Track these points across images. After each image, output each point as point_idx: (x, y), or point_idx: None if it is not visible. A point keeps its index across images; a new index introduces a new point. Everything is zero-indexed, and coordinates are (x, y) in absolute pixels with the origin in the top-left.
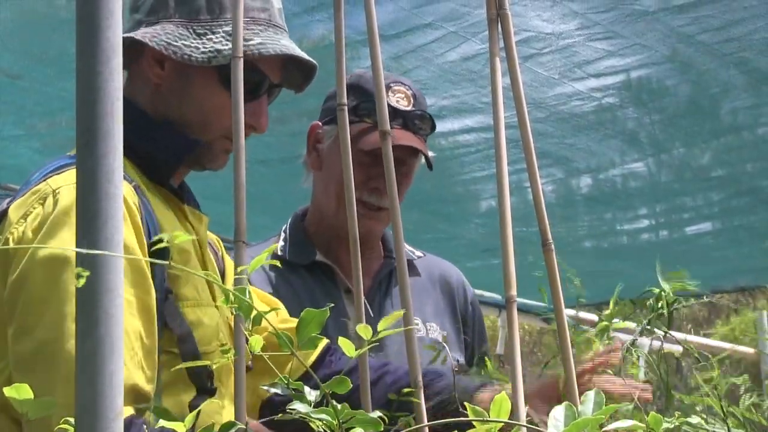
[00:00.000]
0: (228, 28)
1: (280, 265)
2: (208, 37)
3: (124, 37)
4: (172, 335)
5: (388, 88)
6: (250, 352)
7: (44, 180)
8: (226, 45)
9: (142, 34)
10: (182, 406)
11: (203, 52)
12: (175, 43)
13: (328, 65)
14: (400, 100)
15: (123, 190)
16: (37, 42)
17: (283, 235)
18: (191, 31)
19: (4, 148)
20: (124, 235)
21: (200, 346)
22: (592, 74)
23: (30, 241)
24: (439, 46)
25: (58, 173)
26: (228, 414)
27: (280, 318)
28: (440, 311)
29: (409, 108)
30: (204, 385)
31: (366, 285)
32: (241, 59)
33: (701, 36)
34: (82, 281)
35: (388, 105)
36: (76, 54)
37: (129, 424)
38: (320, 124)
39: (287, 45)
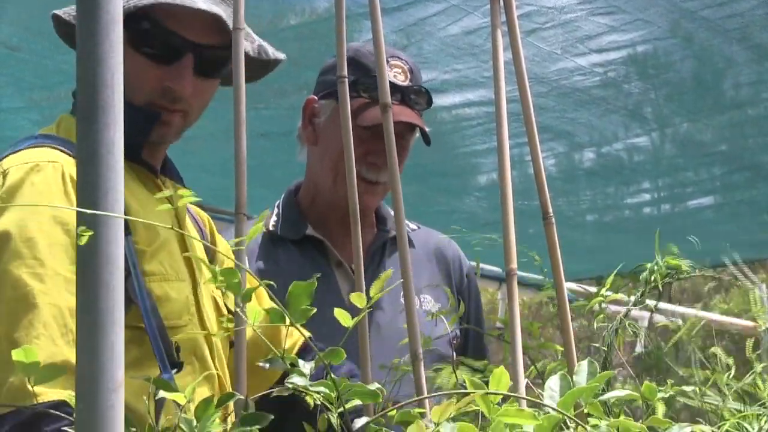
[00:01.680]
0: None
1: (270, 240)
2: None
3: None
4: (138, 310)
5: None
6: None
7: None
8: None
9: (63, 10)
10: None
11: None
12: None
13: (330, 38)
14: (397, 74)
15: (123, 163)
16: (36, 14)
17: (276, 210)
18: None
19: (3, 120)
20: (66, 213)
21: (167, 320)
22: (595, 49)
23: None
24: (440, 19)
25: (14, 152)
26: (204, 390)
27: None
28: (436, 282)
29: (406, 83)
30: (165, 361)
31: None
32: (242, 30)
33: (704, 11)
34: (84, 239)
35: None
36: (76, 26)
37: (55, 407)
38: (316, 98)
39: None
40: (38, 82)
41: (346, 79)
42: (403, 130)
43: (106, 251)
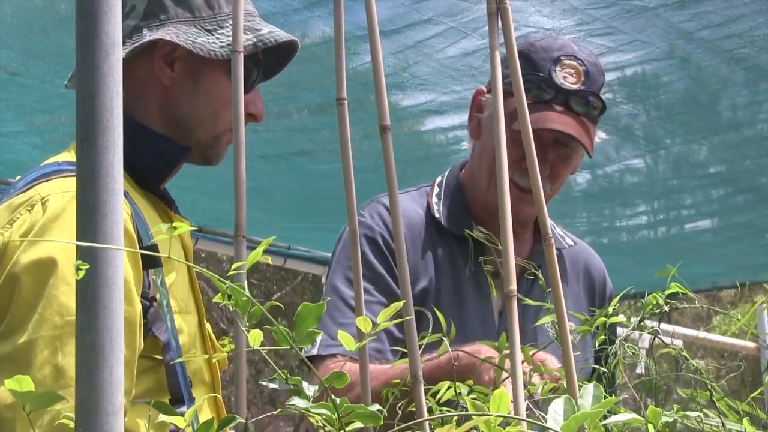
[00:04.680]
0: None
1: (436, 229)
2: (219, 32)
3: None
4: (157, 342)
5: (557, 60)
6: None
7: (31, 187)
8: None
9: (166, 34)
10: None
11: (222, 47)
12: (197, 41)
13: (329, 60)
14: (567, 76)
15: (122, 185)
16: (36, 38)
17: (437, 190)
18: (200, 28)
19: (3, 144)
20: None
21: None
22: None
23: (16, 247)
24: (439, 41)
25: (46, 181)
26: (206, 415)
27: None
28: (580, 306)
29: (575, 87)
30: (180, 395)
31: (516, 268)
32: (242, 54)
33: (702, 32)
34: (82, 273)
35: (552, 81)
36: (75, 49)
37: None
38: (484, 90)
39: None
40: (38, 107)
41: (346, 102)
42: (567, 139)
43: (105, 273)
